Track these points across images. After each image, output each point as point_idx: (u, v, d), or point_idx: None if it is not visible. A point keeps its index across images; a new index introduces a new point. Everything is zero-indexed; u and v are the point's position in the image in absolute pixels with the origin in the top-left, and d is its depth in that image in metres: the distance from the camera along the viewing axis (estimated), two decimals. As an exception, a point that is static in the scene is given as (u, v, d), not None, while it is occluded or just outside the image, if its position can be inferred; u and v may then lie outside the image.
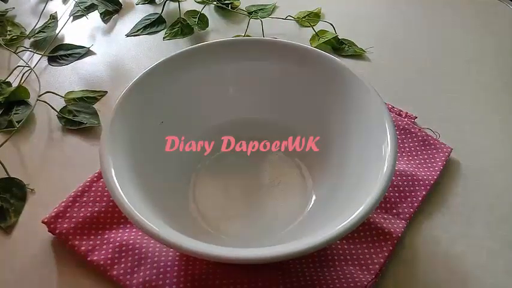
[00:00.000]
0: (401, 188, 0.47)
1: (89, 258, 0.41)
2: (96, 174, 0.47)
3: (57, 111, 0.55)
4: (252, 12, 0.70)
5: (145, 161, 0.42)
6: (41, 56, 0.63)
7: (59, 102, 0.56)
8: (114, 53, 0.64)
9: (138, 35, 0.67)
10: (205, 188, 0.44)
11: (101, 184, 0.46)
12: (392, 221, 0.45)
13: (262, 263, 0.33)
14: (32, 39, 0.65)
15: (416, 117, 0.55)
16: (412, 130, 0.52)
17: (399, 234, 0.44)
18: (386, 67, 0.62)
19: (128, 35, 0.67)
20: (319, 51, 0.47)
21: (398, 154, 0.50)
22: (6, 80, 0.59)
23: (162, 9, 0.70)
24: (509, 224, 0.46)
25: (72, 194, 0.45)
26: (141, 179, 0.40)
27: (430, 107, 0.56)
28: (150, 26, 0.68)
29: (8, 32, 0.66)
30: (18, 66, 0.60)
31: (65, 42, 0.65)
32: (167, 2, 0.71)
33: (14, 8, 0.71)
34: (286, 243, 0.33)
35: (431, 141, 0.51)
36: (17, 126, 0.53)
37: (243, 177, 0.46)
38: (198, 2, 0.72)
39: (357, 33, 0.65)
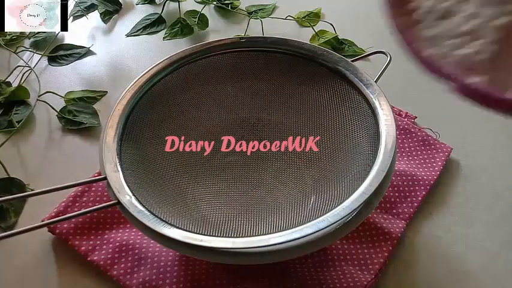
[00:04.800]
0: (401, 188, 0.47)
1: (89, 258, 0.41)
2: (96, 174, 0.47)
3: (57, 111, 0.55)
4: (252, 12, 0.70)
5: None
6: (41, 56, 0.63)
7: (59, 102, 0.56)
8: (114, 53, 0.64)
9: (138, 35, 0.67)
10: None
11: (101, 184, 0.46)
12: (392, 221, 0.45)
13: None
14: (32, 39, 0.65)
15: (416, 117, 0.55)
16: (412, 130, 0.52)
17: (399, 234, 0.44)
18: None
19: (128, 35, 0.67)
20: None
21: (398, 154, 0.50)
22: (6, 80, 0.59)
23: (162, 9, 0.70)
24: (509, 224, 0.46)
25: (72, 194, 0.45)
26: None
27: (430, 107, 0.56)
28: (150, 26, 0.68)
29: (8, 32, 0.66)
30: (18, 66, 0.60)
31: (65, 42, 0.65)
32: (167, 2, 0.70)
33: (14, 8, 0.71)
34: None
35: (431, 141, 0.51)
36: (17, 126, 0.53)
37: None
38: (198, 2, 0.72)
39: (357, 33, 0.65)
